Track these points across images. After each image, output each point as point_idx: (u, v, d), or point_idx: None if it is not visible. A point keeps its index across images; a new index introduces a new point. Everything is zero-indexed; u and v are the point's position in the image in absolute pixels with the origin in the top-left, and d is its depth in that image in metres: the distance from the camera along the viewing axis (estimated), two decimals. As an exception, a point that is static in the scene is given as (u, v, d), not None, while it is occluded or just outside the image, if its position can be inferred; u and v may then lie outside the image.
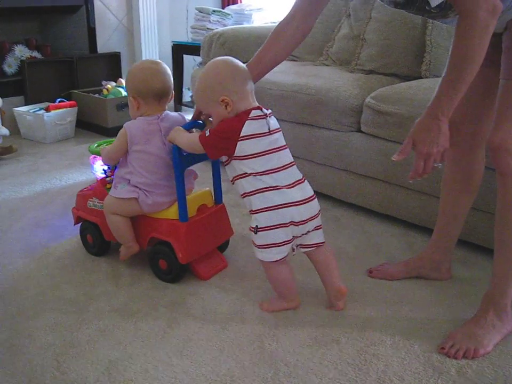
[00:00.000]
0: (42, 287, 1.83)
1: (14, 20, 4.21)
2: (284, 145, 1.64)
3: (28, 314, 1.68)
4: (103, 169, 2.09)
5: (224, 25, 3.92)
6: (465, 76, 1.35)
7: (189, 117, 1.88)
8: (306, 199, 1.61)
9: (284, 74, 2.66)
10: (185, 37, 4.54)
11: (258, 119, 1.57)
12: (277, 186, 1.56)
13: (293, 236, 1.60)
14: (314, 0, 1.69)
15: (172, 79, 1.86)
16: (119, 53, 4.26)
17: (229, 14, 4.03)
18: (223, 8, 4.37)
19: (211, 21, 3.95)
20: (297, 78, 2.57)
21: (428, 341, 1.56)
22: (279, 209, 1.56)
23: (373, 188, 2.31)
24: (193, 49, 3.97)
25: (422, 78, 2.52)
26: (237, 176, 1.60)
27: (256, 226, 1.58)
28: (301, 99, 2.46)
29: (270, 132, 1.59)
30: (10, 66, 3.96)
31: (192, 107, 4.01)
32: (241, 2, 4.71)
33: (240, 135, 1.54)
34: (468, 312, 1.67)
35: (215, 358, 1.48)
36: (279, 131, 1.65)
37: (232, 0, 4.75)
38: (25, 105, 3.84)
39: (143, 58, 4.35)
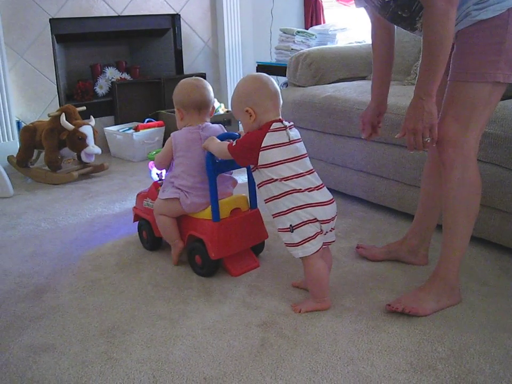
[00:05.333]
0: (137, 302, 1.88)
1: (106, 44, 4.40)
2: (304, 154, 1.81)
3: (124, 329, 1.72)
4: (157, 174, 2.33)
5: (309, 46, 3.94)
6: (437, 58, 1.56)
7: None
8: (328, 201, 1.77)
9: (372, 94, 2.63)
10: (268, 57, 4.59)
11: (279, 130, 1.75)
12: (301, 189, 1.73)
13: (321, 231, 1.76)
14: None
15: (211, 93, 2.11)
16: (205, 73, 4.35)
17: (313, 35, 4.05)
18: (306, 29, 4.40)
19: (295, 41, 3.97)
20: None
21: (531, 371, 1.48)
22: (307, 208, 1.72)
23: (465, 210, 2.25)
24: (277, 69, 4.00)
25: (516, 97, 2.44)
26: (264, 181, 1.77)
27: (291, 225, 1.74)
28: (390, 119, 2.42)
29: (290, 142, 1.76)
30: (101, 87, 4.13)
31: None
32: (324, 22, 4.73)
33: (262, 146, 1.73)
34: None
35: (309, 379, 1.46)
36: (299, 141, 1.81)
37: (316, 21, 4.78)
38: (115, 125, 4.00)
39: (228, 78, 4.47)
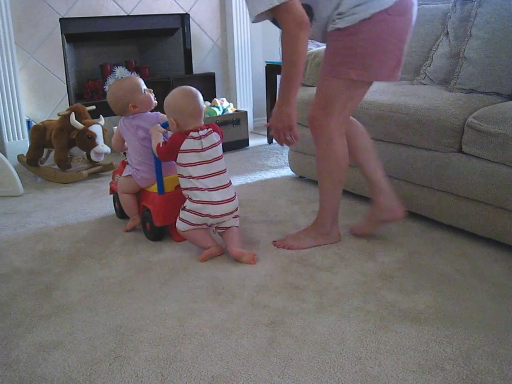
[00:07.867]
0: (145, 301, 1.89)
1: (116, 43, 4.42)
2: (217, 157, 2.18)
3: (132, 327, 1.73)
4: (123, 153, 2.66)
5: (318, 45, 3.92)
6: (291, 73, 1.93)
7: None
8: (225, 200, 2.16)
9: (381, 93, 2.63)
10: (277, 57, 4.59)
11: (194, 139, 2.13)
12: (202, 188, 2.13)
13: (205, 223, 2.17)
14: None
15: (113, 100, 2.47)
16: (214, 73, 4.37)
17: (322, 34, 4.03)
18: (315, 28, 4.38)
19: (304, 41, 3.96)
20: (395, 98, 2.54)
21: (540, 372, 1.47)
22: (202, 204, 2.12)
23: (474, 210, 2.24)
24: (286, 69, 3.99)
25: (526, 97, 2.43)
26: (179, 175, 2.20)
27: (184, 206, 2.17)
28: (399, 119, 2.43)
29: (202, 149, 2.14)
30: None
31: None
32: (333, 22, 4.71)
33: (180, 149, 2.13)
34: None
35: (316, 378, 1.47)
36: (215, 145, 2.18)
37: (325, 20, 4.76)
38: (125, 124, 3.99)
39: (237, 78, 4.47)
